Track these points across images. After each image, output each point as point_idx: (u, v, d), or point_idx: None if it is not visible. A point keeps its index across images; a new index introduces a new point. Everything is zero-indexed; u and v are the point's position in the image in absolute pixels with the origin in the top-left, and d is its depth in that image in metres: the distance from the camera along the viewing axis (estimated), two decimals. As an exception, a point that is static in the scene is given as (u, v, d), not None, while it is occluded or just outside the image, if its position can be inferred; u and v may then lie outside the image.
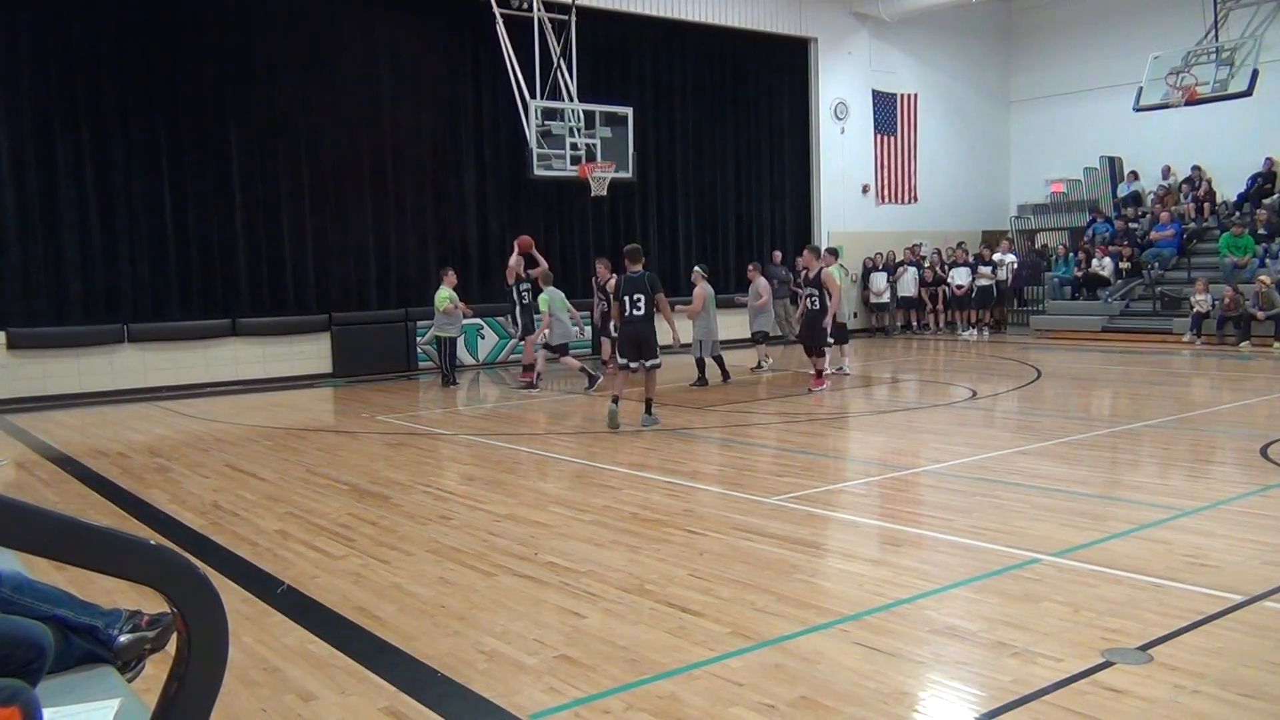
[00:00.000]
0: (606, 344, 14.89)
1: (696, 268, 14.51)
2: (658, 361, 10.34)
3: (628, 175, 16.89)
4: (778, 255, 20.22)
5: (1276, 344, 16.66)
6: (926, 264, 22.39)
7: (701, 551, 5.80)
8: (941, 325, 22.05)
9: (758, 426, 10.57)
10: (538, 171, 16.00)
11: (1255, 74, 16.73)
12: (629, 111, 16.91)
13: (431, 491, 7.75)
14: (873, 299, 22.26)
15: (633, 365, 10.39)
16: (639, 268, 10.31)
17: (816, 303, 12.40)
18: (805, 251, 12.94)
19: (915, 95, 23.52)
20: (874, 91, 22.93)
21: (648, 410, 10.43)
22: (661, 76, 19.92)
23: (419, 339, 16.73)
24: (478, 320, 17.07)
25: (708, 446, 9.49)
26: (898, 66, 23.31)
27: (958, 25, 24.11)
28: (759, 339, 15.48)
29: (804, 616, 4.66)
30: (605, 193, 16.85)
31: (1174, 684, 3.82)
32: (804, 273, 12.59)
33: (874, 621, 4.60)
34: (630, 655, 4.26)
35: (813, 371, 12.90)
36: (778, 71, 21.76)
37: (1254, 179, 20.80)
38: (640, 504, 7.05)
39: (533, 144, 15.83)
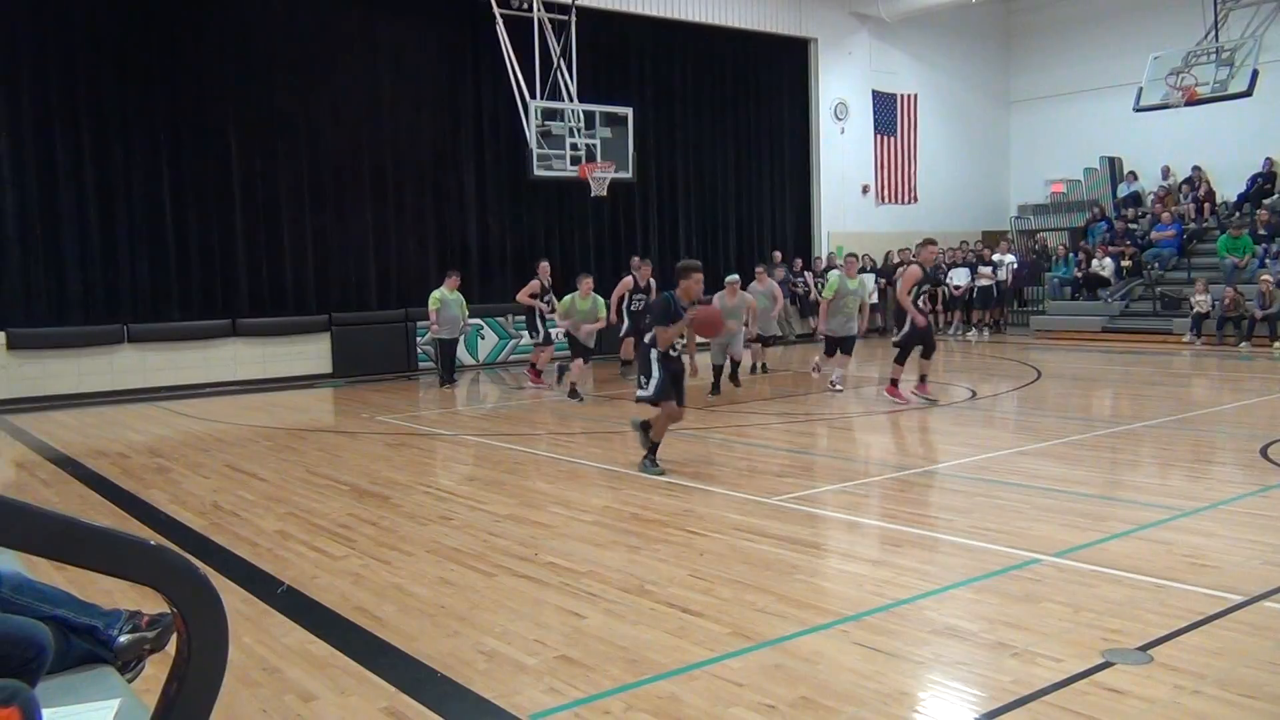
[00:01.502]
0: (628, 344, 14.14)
1: (735, 276, 13.31)
2: (642, 390, 8.11)
3: (628, 175, 16.89)
4: (777, 255, 20.20)
5: (1276, 344, 16.66)
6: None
7: (702, 552, 5.80)
8: (941, 325, 22.03)
9: (758, 427, 10.57)
10: (538, 172, 16.00)
11: (1255, 74, 16.73)
12: (629, 112, 16.92)
13: (432, 492, 7.75)
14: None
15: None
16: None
17: (928, 303, 11.74)
18: (926, 246, 11.79)
19: (915, 95, 23.52)
20: (874, 92, 22.94)
21: (646, 455, 8.25)
22: (661, 77, 19.91)
23: (419, 339, 16.73)
24: (478, 321, 17.03)
25: (708, 446, 9.48)
26: (898, 67, 23.31)
27: (958, 25, 24.11)
28: (768, 341, 15.22)
29: (804, 617, 4.66)
30: (605, 193, 16.86)
31: (1174, 684, 3.82)
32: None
33: (874, 622, 4.60)
34: (630, 656, 4.26)
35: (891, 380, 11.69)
36: (777, 72, 21.75)
37: (1254, 179, 20.81)
38: (640, 504, 7.05)
39: (533, 144, 15.83)
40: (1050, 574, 5.25)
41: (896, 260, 22.29)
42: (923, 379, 11.61)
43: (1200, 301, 18.01)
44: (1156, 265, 20.13)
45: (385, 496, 7.59)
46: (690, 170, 20.54)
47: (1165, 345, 17.85)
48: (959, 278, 21.72)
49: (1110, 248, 20.70)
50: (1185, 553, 5.54)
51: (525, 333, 15.70)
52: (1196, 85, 17.32)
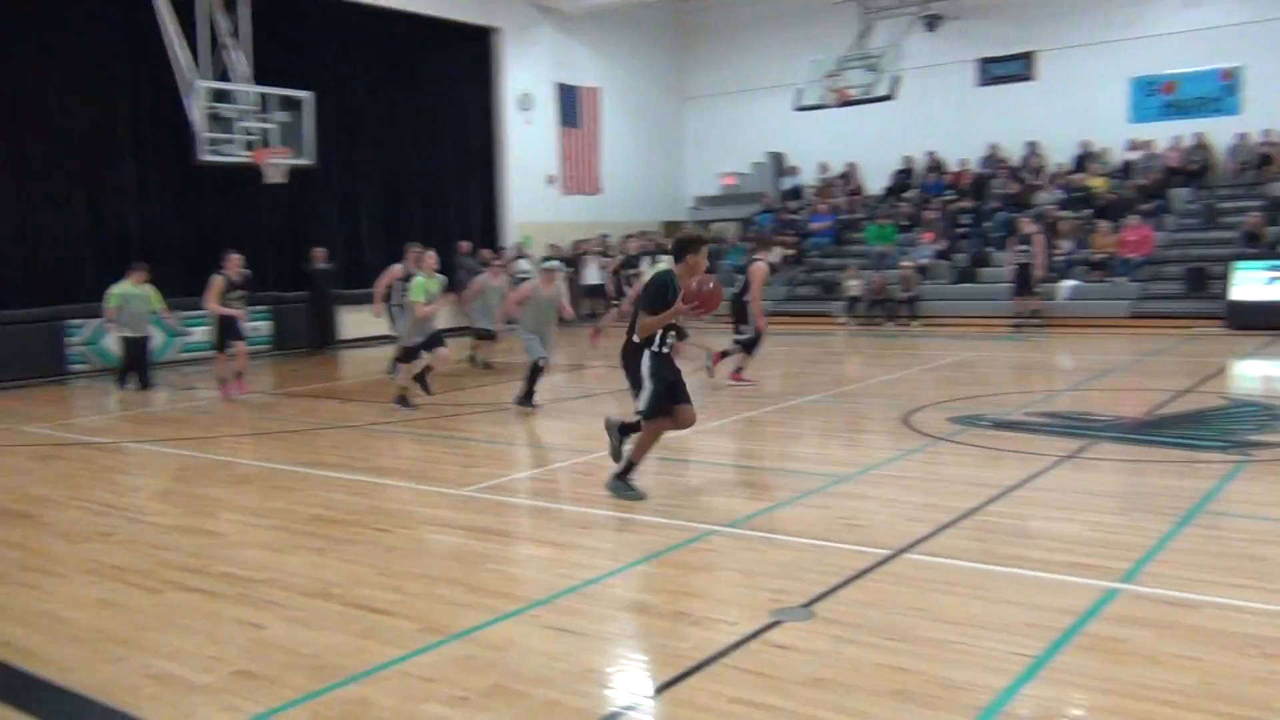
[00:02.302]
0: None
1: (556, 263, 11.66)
2: (638, 403, 6.53)
3: (307, 162, 16.17)
4: (465, 246, 20.07)
5: (914, 323, 18.63)
6: (616, 253, 23.06)
7: (389, 549, 5.68)
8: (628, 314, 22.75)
9: (449, 418, 10.47)
10: (207, 157, 14.96)
11: (897, 80, 18.54)
12: (307, 96, 16.19)
13: (88, 506, 7.05)
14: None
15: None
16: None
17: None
18: (770, 248, 11.69)
19: (598, 89, 24.14)
20: (558, 84, 23.30)
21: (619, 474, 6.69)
22: (343, 61, 19.19)
23: (69, 339, 15.12)
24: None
25: (394, 440, 9.29)
26: (580, 60, 23.81)
27: (636, 22, 24.96)
28: (489, 335, 14.21)
29: (495, 605, 4.68)
30: (284, 180, 16.05)
31: (834, 635, 4.19)
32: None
33: (564, 604, 4.70)
34: (316, 662, 4.11)
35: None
36: (461, 60, 21.58)
37: (896, 175, 23.13)
38: (323, 504, 6.79)
39: (200, 128, 14.77)
40: (725, 544, 5.59)
41: (581, 251, 22.83)
42: (729, 364, 11.83)
43: (852, 286, 19.79)
44: (816, 253, 21.89)
45: (32, 515, 6.83)
46: (374, 157, 19.97)
47: (824, 326, 19.41)
48: (641, 266, 22.51)
49: (776, 237, 22.26)
50: (841, 515, 6.07)
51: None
52: (848, 88, 18.95)
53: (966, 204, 21.33)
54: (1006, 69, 22.18)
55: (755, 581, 4.91)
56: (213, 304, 11.90)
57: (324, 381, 14.26)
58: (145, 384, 13.32)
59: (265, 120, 15.50)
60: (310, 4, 18.22)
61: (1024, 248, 17.56)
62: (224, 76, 15.33)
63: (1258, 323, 15.76)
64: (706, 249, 6.67)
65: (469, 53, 21.74)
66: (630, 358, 6.49)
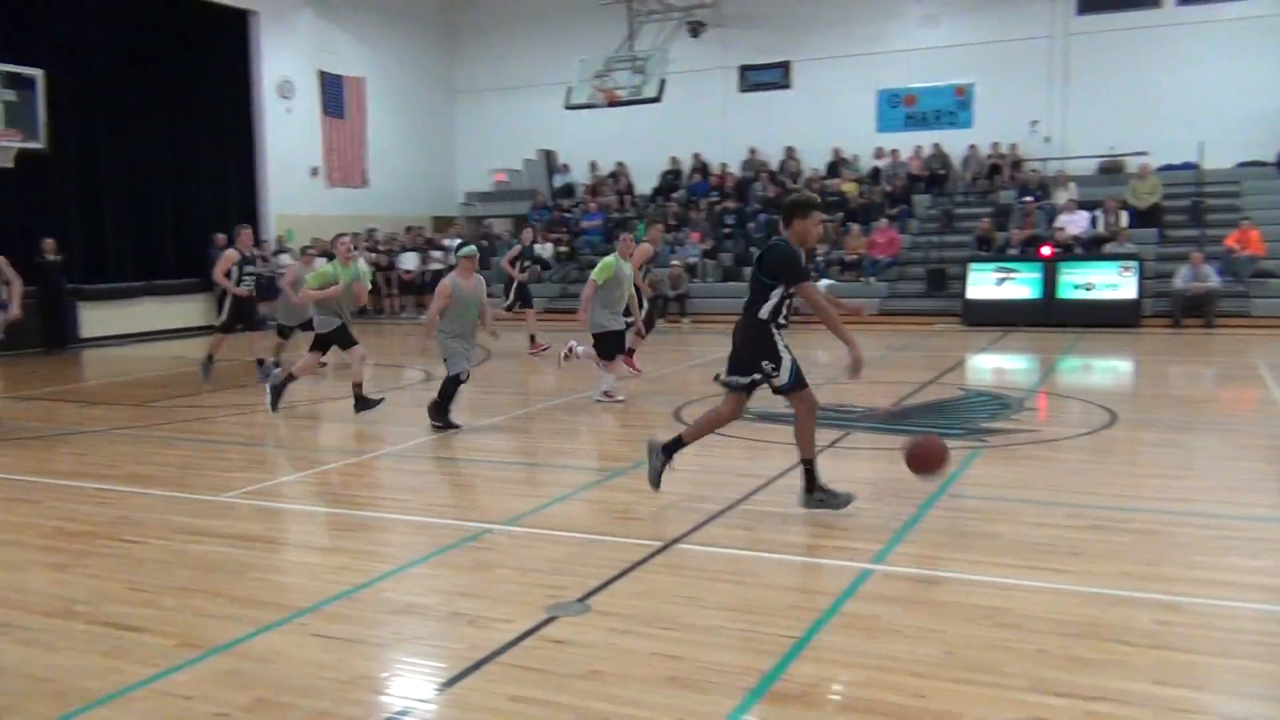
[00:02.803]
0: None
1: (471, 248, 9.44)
2: (736, 378, 6.11)
3: (38, 145, 14.88)
4: (221, 239, 19.02)
5: (685, 320, 19.18)
6: (382, 248, 22.49)
7: (141, 561, 5.32)
8: (399, 310, 22.26)
9: (202, 421, 9.90)
10: (-82, 136, 13.56)
11: (663, 83, 19.01)
12: (38, 74, 14.88)
13: None
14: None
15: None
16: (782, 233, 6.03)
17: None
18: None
19: (364, 79, 23.44)
20: (321, 72, 22.46)
21: (809, 487, 5.99)
22: (82, 37, 17.72)
23: None
24: None
25: (148, 446, 8.68)
26: (344, 49, 23.05)
27: (401, 12, 24.44)
28: (289, 334, 12.90)
29: (258, 615, 4.47)
30: (12, 164, 14.71)
31: (608, 628, 4.25)
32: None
33: (332, 610, 4.55)
34: (56, 687, 3.79)
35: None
36: (216, 43, 20.40)
37: (664, 175, 23.72)
38: (65, 516, 6.27)
39: (-92, 103, 13.35)
40: (501, 541, 5.57)
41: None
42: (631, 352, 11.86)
43: (625, 283, 20.12)
44: (588, 250, 22.13)
45: None
46: (118, 142, 18.59)
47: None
48: (409, 262, 22.11)
49: (549, 234, 22.35)
50: (616, 509, 6.17)
51: None
52: (616, 89, 19.28)
53: (730, 205, 22.16)
54: (765, 77, 23.25)
55: (531, 578, 4.91)
56: None
57: (63, 383, 13.17)
58: None
59: (-13, 98, 14.23)
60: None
61: (784, 248, 18.43)
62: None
63: (989, 319, 17.22)
64: (818, 214, 6.08)
65: (224, 35, 20.60)
66: (759, 336, 5.92)
